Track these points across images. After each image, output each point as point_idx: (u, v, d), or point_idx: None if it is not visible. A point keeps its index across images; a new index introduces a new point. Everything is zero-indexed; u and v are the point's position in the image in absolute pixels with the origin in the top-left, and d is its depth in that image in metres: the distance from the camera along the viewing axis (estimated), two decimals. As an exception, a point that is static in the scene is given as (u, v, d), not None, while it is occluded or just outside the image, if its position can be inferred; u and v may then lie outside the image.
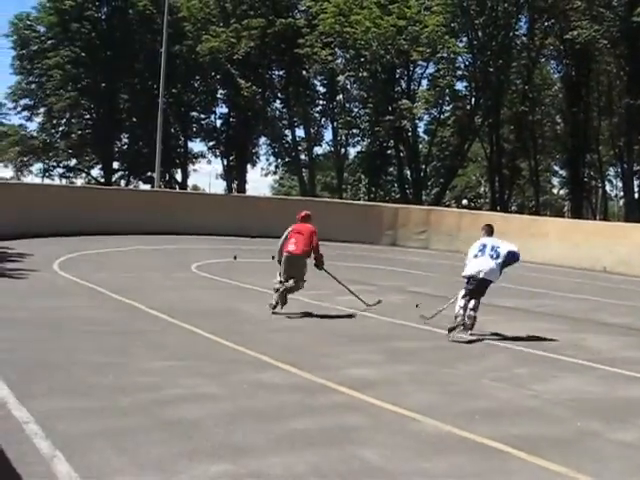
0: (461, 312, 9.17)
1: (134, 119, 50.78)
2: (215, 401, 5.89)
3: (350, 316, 10.72)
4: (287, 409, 5.78)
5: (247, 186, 56.53)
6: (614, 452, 5.19)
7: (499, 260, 9.32)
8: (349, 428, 5.38)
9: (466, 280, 9.41)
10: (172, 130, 51.96)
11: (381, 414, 5.80)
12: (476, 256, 9.49)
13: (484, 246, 9.54)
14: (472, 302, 9.19)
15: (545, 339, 9.63)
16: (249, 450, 4.77)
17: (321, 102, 53.16)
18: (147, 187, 51.58)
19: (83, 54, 48.74)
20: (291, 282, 10.45)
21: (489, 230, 9.98)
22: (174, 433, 5.03)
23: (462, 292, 9.37)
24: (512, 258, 9.49)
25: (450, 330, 9.11)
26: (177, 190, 50.30)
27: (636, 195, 45.83)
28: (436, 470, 4.63)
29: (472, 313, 9.15)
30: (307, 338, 8.93)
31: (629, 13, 36.91)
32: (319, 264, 10.90)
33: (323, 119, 53.40)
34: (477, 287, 9.31)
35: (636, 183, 46.55)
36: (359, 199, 60.21)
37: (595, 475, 4.68)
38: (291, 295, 10.69)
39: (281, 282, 10.50)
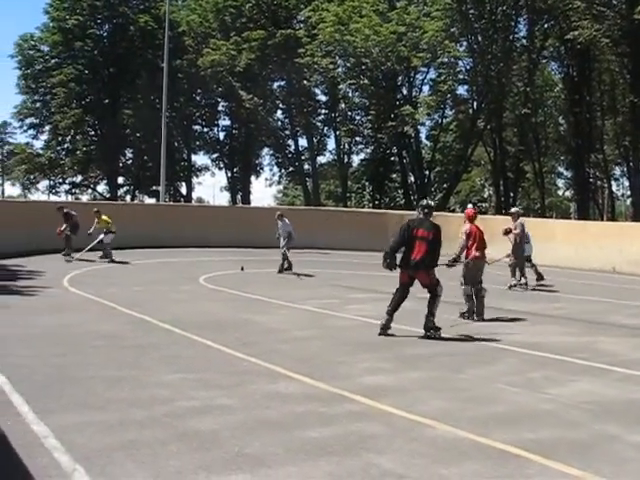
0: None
1: (138, 134, 51.09)
2: (230, 412, 5.90)
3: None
4: (302, 419, 5.79)
5: (251, 197, 56.84)
6: (632, 455, 5.16)
7: None
8: (365, 436, 5.37)
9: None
10: (176, 144, 52.22)
11: (396, 421, 5.79)
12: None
13: None
14: None
15: (558, 342, 9.62)
16: (266, 460, 4.78)
17: (323, 111, 53.36)
18: (152, 201, 51.85)
19: (86, 71, 49.28)
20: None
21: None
22: (191, 445, 5.04)
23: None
24: None
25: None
26: (183, 203, 50.53)
27: (643, 194, 45.40)
28: (453, 476, 4.62)
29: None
30: (318, 347, 8.93)
31: (630, 11, 36.50)
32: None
33: (325, 128, 53.63)
34: None
35: (643, 181, 46.14)
36: (364, 207, 60.27)
37: (613, 478, 4.65)
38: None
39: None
